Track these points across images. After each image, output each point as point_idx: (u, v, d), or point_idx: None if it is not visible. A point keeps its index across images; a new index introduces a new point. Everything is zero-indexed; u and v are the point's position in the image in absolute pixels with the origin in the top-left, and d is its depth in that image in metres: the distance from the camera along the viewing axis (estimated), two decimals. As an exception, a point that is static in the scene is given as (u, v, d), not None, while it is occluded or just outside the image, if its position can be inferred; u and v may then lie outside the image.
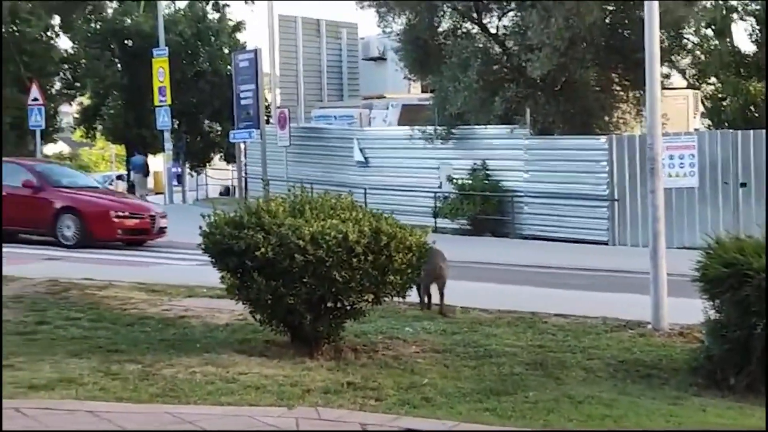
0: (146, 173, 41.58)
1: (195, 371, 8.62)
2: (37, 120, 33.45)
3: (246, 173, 33.18)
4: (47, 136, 40.67)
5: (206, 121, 46.03)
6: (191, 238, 20.86)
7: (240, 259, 9.35)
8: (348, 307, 9.66)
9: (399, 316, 11.79)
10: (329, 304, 9.58)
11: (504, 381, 8.87)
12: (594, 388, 8.71)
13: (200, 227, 9.81)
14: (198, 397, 7.72)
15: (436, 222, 23.68)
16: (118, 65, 43.34)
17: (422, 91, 36.74)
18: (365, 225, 9.39)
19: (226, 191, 42.11)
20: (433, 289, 12.51)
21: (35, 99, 33.72)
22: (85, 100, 45.58)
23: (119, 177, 48.67)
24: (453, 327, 11.44)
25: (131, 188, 42.35)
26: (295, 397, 7.86)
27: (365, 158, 28.75)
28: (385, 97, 33.64)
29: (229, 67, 39.44)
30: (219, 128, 45.22)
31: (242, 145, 33.69)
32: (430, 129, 26.15)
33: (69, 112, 51.18)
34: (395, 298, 9.92)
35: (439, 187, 26.29)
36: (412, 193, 26.12)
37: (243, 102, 31.22)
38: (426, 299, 12.53)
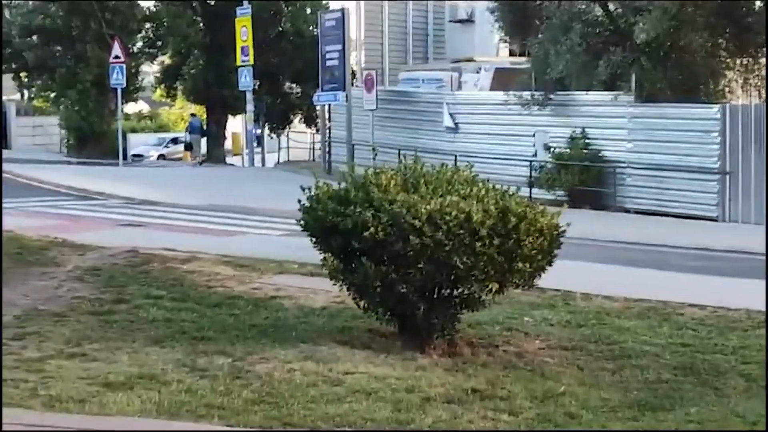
0: (203, 134, 40.78)
1: (293, 368, 7.53)
2: (118, 78, 32.96)
3: (330, 137, 31.97)
4: (128, 95, 39.98)
5: (287, 83, 44.99)
6: (276, 204, 20.19)
7: (345, 240, 8.30)
8: (466, 297, 8.40)
9: (513, 303, 10.49)
10: (445, 293, 8.43)
11: (654, 390, 7.53)
12: (761, 402, 7.30)
13: (299, 201, 8.69)
14: (300, 405, 6.52)
15: (531, 192, 22.25)
16: (201, 24, 42.44)
17: (510, 55, 35.47)
18: (490, 203, 8.21)
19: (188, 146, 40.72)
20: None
21: (116, 57, 33.23)
22: (167, 59, 44.77)
23: (173, 140, 47.60)
24: (577, 318, 10.20)
25: (188, 149, 41.56)
26: (415, 408, 6.62)
27: (455, 124, 27.43)
28: (474, 61, 32.35)
29: (311, 27, 38.37)
30: (299, 90, 44.22)
31: (326, 108, 32.56)
32: (526, 94, 24.72)
33: (150, 71, 50.56)
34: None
35: (534, 155, 24.90)
36: (505, 161, 24.71)
37: (328, 63, 30.12)
38: None
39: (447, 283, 8.24)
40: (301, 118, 45.15)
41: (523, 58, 29.50)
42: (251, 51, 33.84)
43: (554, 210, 8.58)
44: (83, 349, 7.87)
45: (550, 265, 8.53)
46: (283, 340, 8.45)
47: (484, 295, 8.40)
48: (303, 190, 8.69)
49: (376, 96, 28.78)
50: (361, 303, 8.72)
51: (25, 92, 48.68)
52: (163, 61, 44.82)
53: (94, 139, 39.27)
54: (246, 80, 34.37)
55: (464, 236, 7.93)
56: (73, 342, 8.08)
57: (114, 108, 38.27)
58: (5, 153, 41.24)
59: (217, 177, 30.82)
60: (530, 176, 24.25)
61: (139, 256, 12.65)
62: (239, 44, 34.19)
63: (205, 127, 41.31)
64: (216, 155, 42.52)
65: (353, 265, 8.33)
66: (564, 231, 8.53)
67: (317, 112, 42.16)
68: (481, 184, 8.62)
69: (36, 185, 25.10)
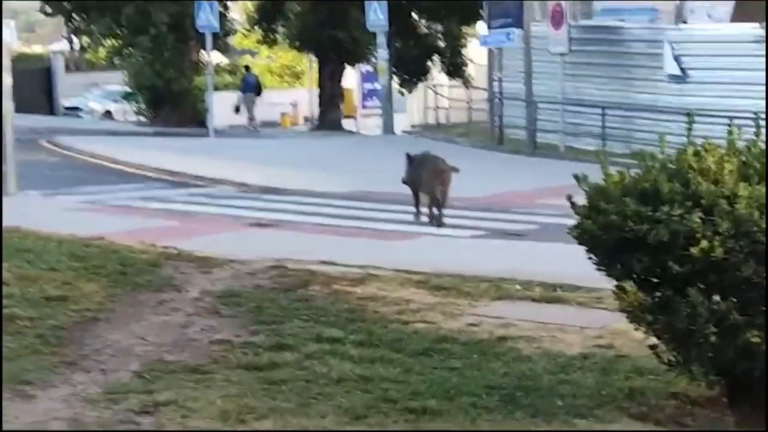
0: (259, 92, 41.99)
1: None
2: (208, 19, 32.63)
3: (501, 93, 31.38)
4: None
5: (423, 20, 44.53)
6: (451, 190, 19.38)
7: (657, 259, 7.32)
8: None
9: None
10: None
11: None
12: None
13: (569, 198, 7.81)
14: None
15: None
16: (310, -59, 42.15)
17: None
18: None
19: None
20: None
21: (204, -9, 33.08)
22: (265, -7, 44.64)
23: (128, 96, 47.04)
24: None
25: (237, 111, 41.59)
26: None
27: (682, 70, 26.93)
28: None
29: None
30: (441, 29, 43.64)
31: (494, 53, 32.17)
32: (792, 28, 24.25)
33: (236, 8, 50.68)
34: None
35: (800, 114, 23.73)
36: (759, 122, 23.52)
37: (498, -10, 29.75)
38: (428, 210, 16.26)
39: (824, 327, 7.15)
40: (442, 67, 44.67)
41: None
42: (382, -24, 33.59)
43: None
44: (250, 427, 7.22)
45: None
46: (546, 413, 7.67)
47: None
48: (578, 180, 7.69)
49: (568, 34, 28.44)
50: (668, 356, 7.70)
51: (75, 41, 48.93)
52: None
53: (171, 101, 39.17)
54: (378, 17, 34.32)
55: None
56: (233, 417, 7.37)
57: (195, 60, 38.11)
58: (52, 120, 41.51)
59: (346, 150, 30.75)
60: (799, 144, 23.03)
61: (289, 275, 11.95)
62: (366, -32, 33.90)
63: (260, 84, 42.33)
64: (331, 119, 42.36)
65: (666, 298, 7.31)
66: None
67: (464, 59, 41.72)
68: None
69: (110, 166, 25.23)
